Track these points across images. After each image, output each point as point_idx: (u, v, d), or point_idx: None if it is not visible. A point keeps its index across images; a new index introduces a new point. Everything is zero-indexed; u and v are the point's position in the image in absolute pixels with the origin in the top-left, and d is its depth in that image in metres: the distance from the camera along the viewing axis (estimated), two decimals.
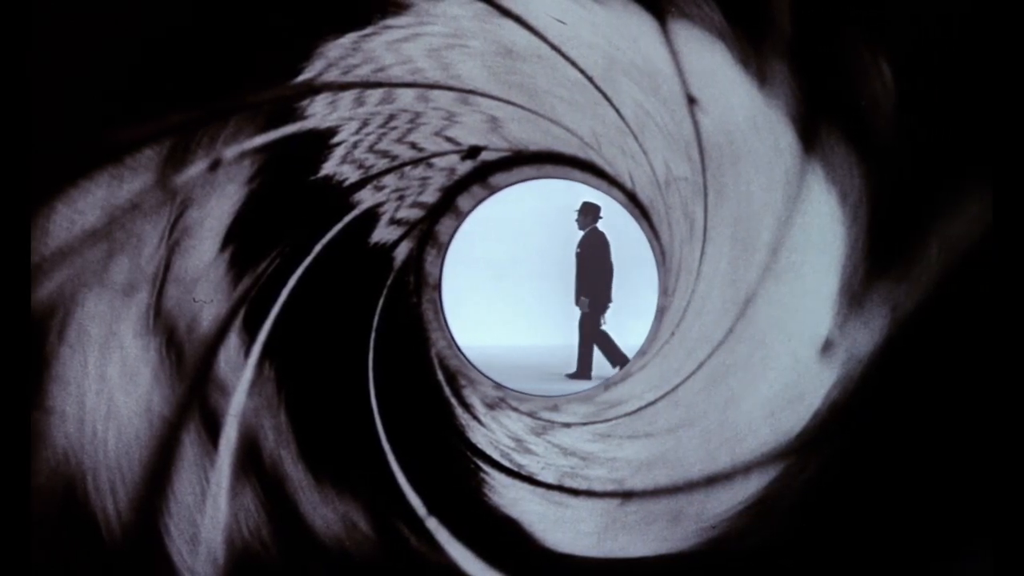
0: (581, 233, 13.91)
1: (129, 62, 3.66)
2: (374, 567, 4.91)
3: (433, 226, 7.94)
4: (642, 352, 8.14)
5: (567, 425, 7.27)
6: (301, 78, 4.58)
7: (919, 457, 3.83)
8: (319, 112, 4.96)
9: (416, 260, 7.83)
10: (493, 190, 8.09)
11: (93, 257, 3.72)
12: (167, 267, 4.24)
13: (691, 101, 4.89)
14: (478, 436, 6.62)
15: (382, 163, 6.22)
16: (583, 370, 13.70)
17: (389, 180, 6.54)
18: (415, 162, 6.77)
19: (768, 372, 4.67)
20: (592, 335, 13.83)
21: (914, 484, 3.86)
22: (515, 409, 7.66)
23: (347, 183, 5.88)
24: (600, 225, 13.84)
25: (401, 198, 7.00)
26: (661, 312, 8.06)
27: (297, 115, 4.81)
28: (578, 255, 13.85)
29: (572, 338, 14.01)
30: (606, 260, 13.81)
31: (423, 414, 6.63)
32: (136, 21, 3.64)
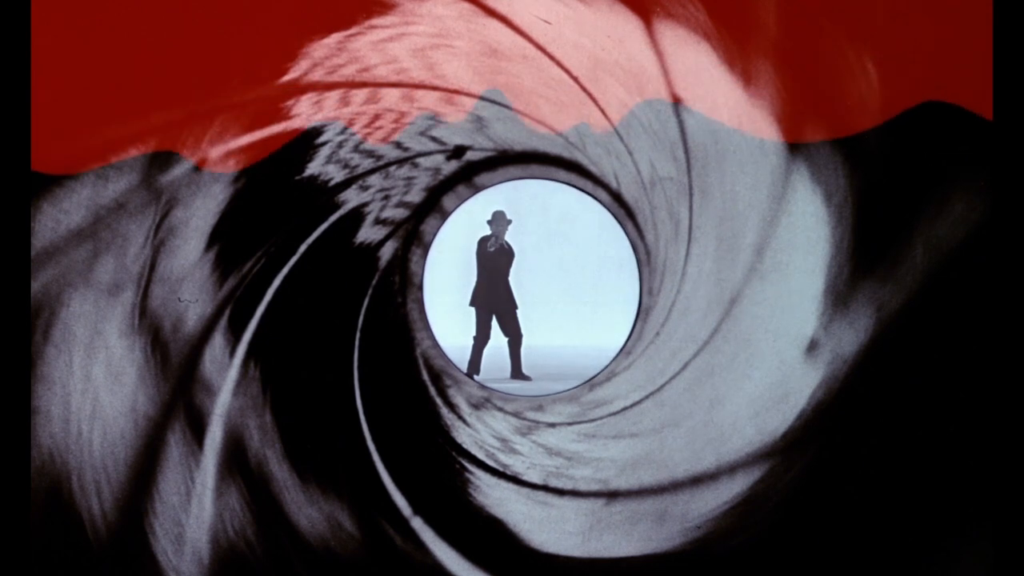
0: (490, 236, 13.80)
1: (116, 63, 3.65)
2: (359, 567, 4.90)
3: (418, 226, 7.92)
4: (627, 352, 8.13)
5: (552, 425, 7.25)
6: (286, 78, 4.57)
7: (904, 456, 3.83)
8: (304, 112, 4.95)
9: (401, 260, 7.81)
10: (478, 189, 8.06)
11: (79, 257, 3.71)
12: (152, 267, 4.23)
13: (676, 101, 4.89)
14: (463, 436, 6.60)
15: (367, 163, 6.20)
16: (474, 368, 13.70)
17: (374, 180, 6.52)
18: (400, 162, 6.76)
19: (753, 372, 4.67)
20: (481, 337, 13.85)
21: (900, 483, 3.86)
22: (500, 409, 7.64)
23: (332, 183, 5.86)
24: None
25: (386, 198, 6.98)
26: (646, 312, 8.06)
27: (282, 115, 4.80)
28: (490, 257, 13.76)
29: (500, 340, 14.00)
30: (507, 273, 13.88)
31: (408, 414, 6.62)
32: (124, 22, 3.63)
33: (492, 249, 13.63)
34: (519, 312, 13.88)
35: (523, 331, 14.01)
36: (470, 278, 13.77)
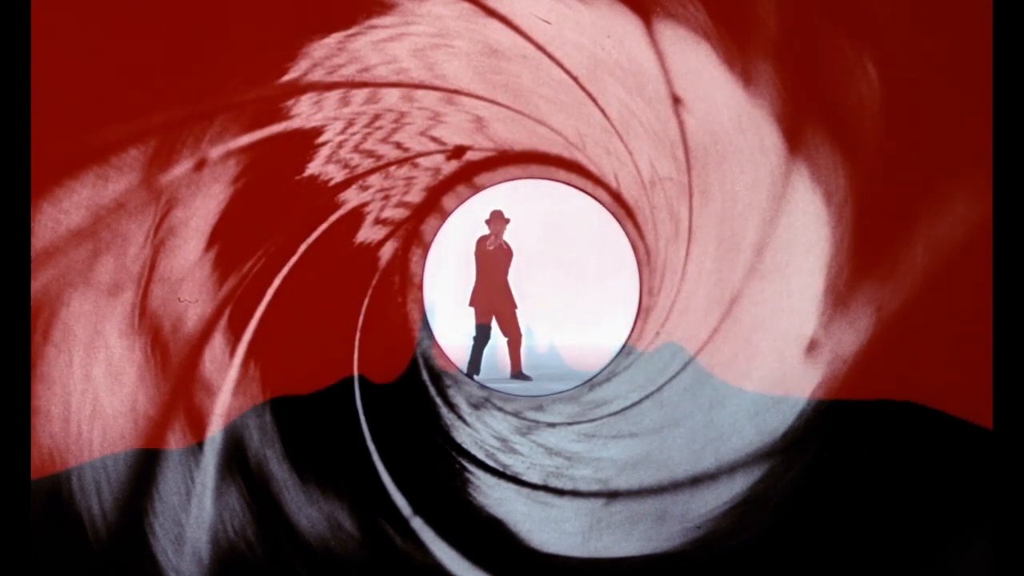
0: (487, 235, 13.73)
1: (116, 62, 3.66)
2: (359, 567, 4.91)
3: (418, 226, 7.94)
4: (626, 352, 8.16)
5: (552, 425, 7.28)
6: (286, 78, 4.57)
7: (904, 456, 3.84)
8: (304, 112, 4.96)
9: (401, 260, 7.83)
10: (478, 190, 8.09)
11: (78, 256, 3.71)
12: (152, 267, 4.23)
13: (676, 101, 4.90)
14: (463, 436, 6.63)
15: (367, 163, 6.21)
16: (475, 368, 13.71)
17: (374, 180, 6.53)
18: (400, 162, 6.77)
19: (753, 372, 4.68)
20: (481, 337, 13.85)
21: (900, 483, 3.87)
22: (500, 409, 7.67)
23: (332, 183, 5.87)
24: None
25: (386, 198, 7.00)
26: (646, 312, 8.08)
27: (282, 115, 4.81)
28: (488, 257, 13.73)
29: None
30: (506, 273, 13.91)
31: (408, 414, 6.64)
32: (123, 22, 3.63)
33: (491, 248, 13.66)
34: (518, 312, 13.91)
35: (523, 331, 14.05)
36: (471, 278, 13.80)
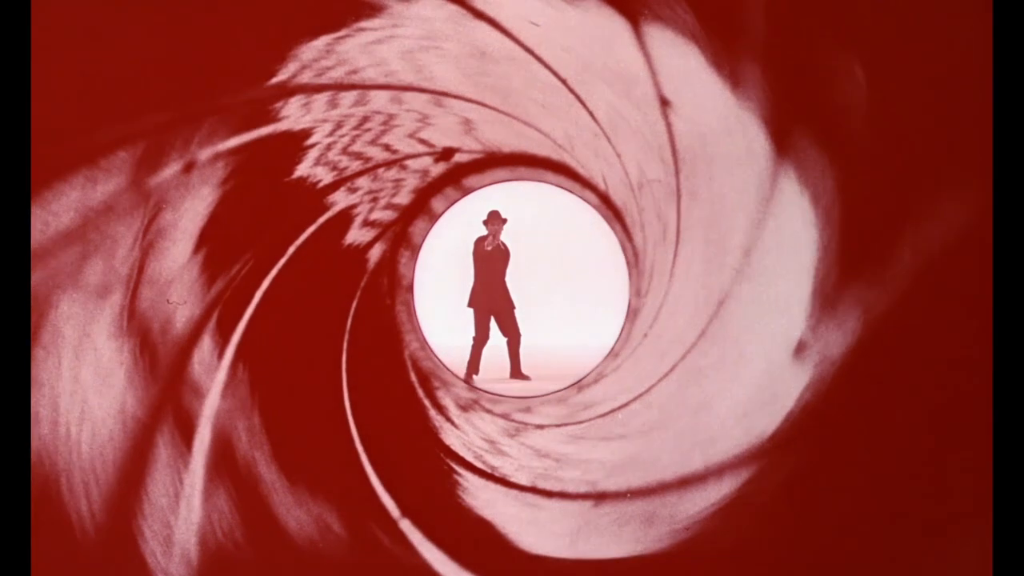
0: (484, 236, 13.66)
1: (104, 65, 3.66)
2: (348, 569, 4.90)
3: (407, 228, 7.93)
4: (615, 354, 8.14)
5: (541, 427, 7.26)
6: (275, 80, 4.57)
7: (893, 458, 3.85)
8: (293, 114, 4.95)
9: (390, 262, 7.81)
10: (466, 191, 8.07)
11: (67, 259, 3.71)
12: (141, 269, 4.23)
13: (664, 103, 4.90)
14: (451, 438, 6.61)
15: (356, 165, 6.21)
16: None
17: (363, 182, 6.52)
18: (389, 164, 6.76)
19: (741, 374, 4.68)
20: (480, 337, 13.80)
21: (888, 485, 3.88)
22: (488, 411, 7.65)
23: (321, 185, 5.86)
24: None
25: (375, 200, 6.99)
26: (633, 314, 8.07)
27: (271, 117, 4.81)
28: (486, 257, 13.67)
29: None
30: (504, 273, 13.82)
31: (396, 416, 6.62)
32: (112, 25, 3.63)
33: (489, 249, 13.59)
34: (516, 312, 13.88)
35: (522, 331, 14.00)
36: (460, 280, 13.73)
